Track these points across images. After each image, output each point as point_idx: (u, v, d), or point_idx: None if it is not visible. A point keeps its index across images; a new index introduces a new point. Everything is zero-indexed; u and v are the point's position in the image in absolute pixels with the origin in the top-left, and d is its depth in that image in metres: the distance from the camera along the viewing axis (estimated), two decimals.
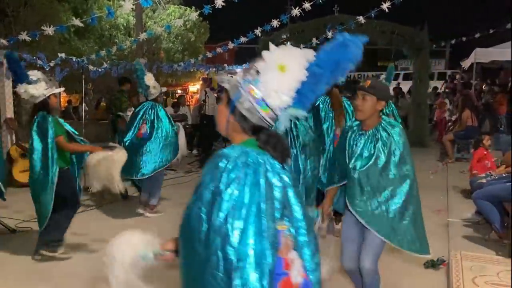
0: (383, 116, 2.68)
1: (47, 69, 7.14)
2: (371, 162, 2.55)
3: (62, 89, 4.83)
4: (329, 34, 8.04)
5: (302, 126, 3.54)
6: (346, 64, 1.30)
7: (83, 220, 4.92)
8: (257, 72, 1.34)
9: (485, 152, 6.08)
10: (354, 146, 2.66)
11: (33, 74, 3.93)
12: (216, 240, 1.28)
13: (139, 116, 5.36)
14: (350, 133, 2.73)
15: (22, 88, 3.87)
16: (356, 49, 1.30)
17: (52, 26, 5.49)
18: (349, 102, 4.34)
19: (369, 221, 2.54)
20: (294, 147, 3.44)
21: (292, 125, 3.50)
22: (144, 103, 5.51)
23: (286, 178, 1.40)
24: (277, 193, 1.35)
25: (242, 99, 1.35)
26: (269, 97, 1.33)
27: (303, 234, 1.41)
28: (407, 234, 2.55)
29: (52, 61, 7.22)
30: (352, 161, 2.62)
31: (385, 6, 6.15)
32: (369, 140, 2.60)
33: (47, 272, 3.79)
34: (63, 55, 7.13)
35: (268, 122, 1.37)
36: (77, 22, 5.56)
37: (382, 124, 2.61)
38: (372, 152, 2.57)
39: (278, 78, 1.31)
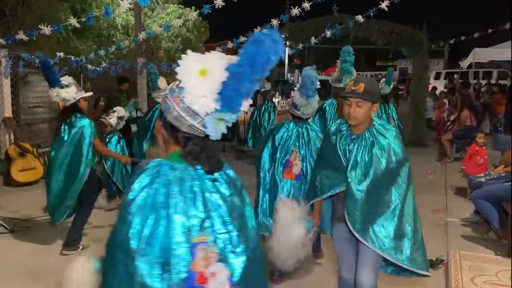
0: (374, 118, 2.47)
1: None
2: (367, 170, 2.32)
3: (91, 93, 4.94)
4: (328, 34, 8.03)
5: (313, 131, 3.55)
6: (263, 58, 1.24)
7: None
8: (180, 81, 1.32)
9: (477, 148, 6.10)
10: (347, 152, 2.41)
11: (64, 79, 4.17)
12: (119, 254, 1.26)
13: (153, 120, 5.65)
14: (338, 137, 2.47)
15: (54, 92, 4.11)
16: (271, 42, 1.24)
17: (49, 25, 5.48)
18: None
19: (372, 239, 2.28)
20: (305, 152, 3.48)
21: (304, 130, 3.52)
22: (157, 106, 5.74)
23: (211, 187, 1.36)
24: (197, 204, 1.31)
25: (170, 109, 1.34)
26: (194, 104, 1.30)
27: (232, 243, 1.35)
28: (408, 248, 2.31)
29: (51, 60, 7.19)
30: (348, 169, 2.37)
31: (384, 5, 6.14)
32: (363, 145, 2.36)
33: (45, 271, 3.78)
34: (61, 54, 7.09)
35: (199, 130, 1.34)
36: (74, 21, 5.55)
37: (376, 127, 2.39)
38: (368, 159, 2.33)
39: (200, 83, 1.29)
